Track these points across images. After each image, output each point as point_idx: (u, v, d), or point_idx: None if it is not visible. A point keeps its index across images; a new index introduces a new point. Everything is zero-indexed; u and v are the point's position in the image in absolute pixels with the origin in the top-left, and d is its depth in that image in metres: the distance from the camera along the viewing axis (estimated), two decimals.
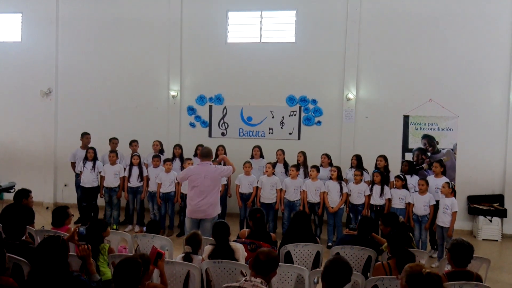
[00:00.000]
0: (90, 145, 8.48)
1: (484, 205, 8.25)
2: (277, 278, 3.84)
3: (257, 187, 7.60)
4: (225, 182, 7.84)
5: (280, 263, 3.89)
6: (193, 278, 3.92)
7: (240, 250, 4.28)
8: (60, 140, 9.98)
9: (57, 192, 10.04)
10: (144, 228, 5.27)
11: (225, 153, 8.18)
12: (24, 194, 5.48)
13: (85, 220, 7.93)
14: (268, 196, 7.51)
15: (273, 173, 7.65)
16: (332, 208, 7.26)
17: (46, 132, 9.98)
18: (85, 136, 8.66)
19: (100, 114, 9.74)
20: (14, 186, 8.05)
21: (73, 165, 8.63)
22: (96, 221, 4.51)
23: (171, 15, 9.41)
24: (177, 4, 9.37)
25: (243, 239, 4.80)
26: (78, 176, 8.39)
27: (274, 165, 7.84)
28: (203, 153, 6.03)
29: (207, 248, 4.28)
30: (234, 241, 4.59)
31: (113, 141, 8.49)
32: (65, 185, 9.87)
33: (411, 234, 5.66)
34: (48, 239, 3.26)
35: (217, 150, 8.22)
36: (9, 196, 7.94)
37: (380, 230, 6.38)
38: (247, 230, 5.03)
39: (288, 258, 4.64)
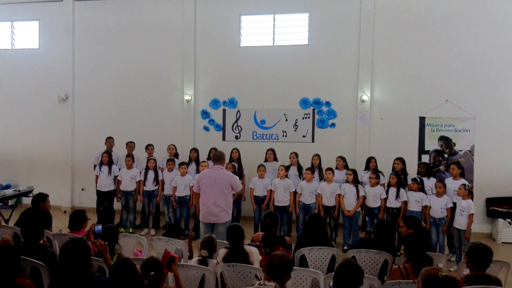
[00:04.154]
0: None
1: (503, 207, 8.08)
2: (292, 282, 3.82)
3: (271, 190, 7.59)
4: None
5: (295, 267, 3.87)
6: (208, 281, 3.93)
7: (254, 253, 4.28)
8: (77, 145, 10.13)
9: (74, 196, 10.18)
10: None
11: (239, 156, 8.22)
12: (41, 199, 5.59)
13: (103, 224, 8.01)
14: (281, 199, 7.49)
15: (286, 176, 7.63)
16: (348, 211, 7.20)
17: (63, 137, 10.14)
18: (108, 140, 8.77)
19: (116, 119, 9.87)
20: (32, 190, 8.18)
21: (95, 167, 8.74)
22: (108, 228, 4.37)
23: (185, 20, 9.50)
24: (190, 9, 9.45)
25: (258, 243, 4.79)
26: None
27: (287, 168, 7.82)
28: (215, 156, 5.97)
29: (222, 252, 4.29)
30: (249, 244, 4.58)
31: (130, 145, 8.59)
32: (82, 189, 10.02)
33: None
34: (72, 241, 3.29)
35: (231, 153, 8.25)
36: (27, 200, 8.09)
37: (397, 233, 6.32)
38: (261, 233, 5.01)
39: (303, 262, 4.61)
